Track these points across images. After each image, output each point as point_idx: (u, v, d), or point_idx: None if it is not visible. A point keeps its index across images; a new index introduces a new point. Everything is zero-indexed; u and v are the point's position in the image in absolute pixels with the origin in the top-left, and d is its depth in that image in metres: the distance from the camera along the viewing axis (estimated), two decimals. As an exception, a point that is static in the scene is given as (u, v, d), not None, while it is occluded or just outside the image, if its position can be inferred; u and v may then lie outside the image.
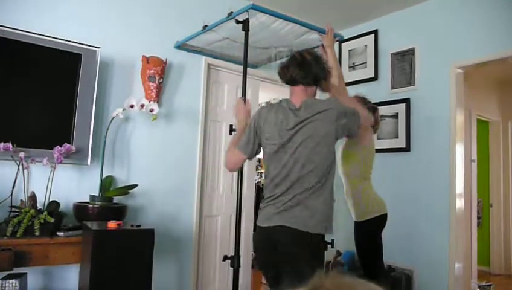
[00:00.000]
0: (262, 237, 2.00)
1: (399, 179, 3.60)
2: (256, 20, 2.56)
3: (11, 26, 2.47)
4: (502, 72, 5.43)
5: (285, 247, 1.88)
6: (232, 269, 2.43)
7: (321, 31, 2.81)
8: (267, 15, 2.51)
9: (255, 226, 2.09)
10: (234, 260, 2.38)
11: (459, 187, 3.35)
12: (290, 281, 1.79)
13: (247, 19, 2.48)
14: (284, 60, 2.10)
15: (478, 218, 5.50)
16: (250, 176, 3.93)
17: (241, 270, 2.53)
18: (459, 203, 3.34)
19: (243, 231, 3.60)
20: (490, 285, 4.55)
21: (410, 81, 3.66)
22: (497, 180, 5.96)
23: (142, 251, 2.20)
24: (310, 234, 1.86)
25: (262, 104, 3.43)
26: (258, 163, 6.74)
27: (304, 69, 1.98)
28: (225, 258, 2.42)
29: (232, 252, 2.44)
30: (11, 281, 2.24)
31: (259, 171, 6.85)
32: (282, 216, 1.90)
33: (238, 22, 2.49)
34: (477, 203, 5.28)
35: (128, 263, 2.15)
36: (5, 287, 2.23)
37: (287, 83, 2.06)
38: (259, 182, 6.30)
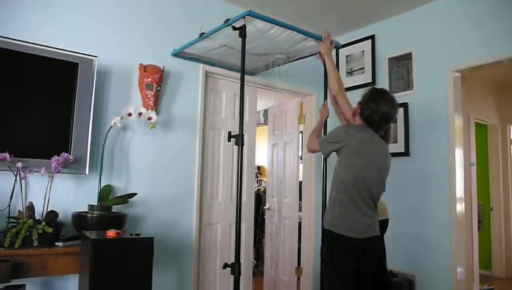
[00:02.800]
0: None
1: (399, 183, 3.58)
2: (253, 27, 2.56)
3: (7, 36, 2.47)
4: (499, 76, 5.46)
5: None
6: (232, 277, 2.40)
7: (318, 38, 2.82)
8: (264, 22, 2.51)
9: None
10: (235, 268, 2.36)
11: (459, 191, 3.34)
12: None
13: (244, 25, 2.47)
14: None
15: (479, 222, 5.47)
16: (250, 184, 3.92)
17: (241, 278, 2.50)
18: (460, 207, 3.33)
19: (243, 238, 3.58)
20: (492, 288, 4.53)
21: (407, 85, 3.67)
22: (497, 183, 5.96)
23: (141, 259, 2.18)
24: None
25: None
26: (257, 170, 6.74)
27: None
28: (225, 265, 2.39)
29: (232, 261, 2.42)
30: (9, 292, 2.22)
31: (259, 178, 6.83)
32: None
33: (235, 28, 2.48)
34: (478, 206, 5.26)
35: (128, 272, 2.13)
36: (3, 299, 2.21)
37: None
38: (259, 189, 6.28)
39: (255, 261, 5.49)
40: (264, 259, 5.02)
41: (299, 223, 4.40)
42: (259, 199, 6.07)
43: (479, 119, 5.51)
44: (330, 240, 2.41)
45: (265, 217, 5.19)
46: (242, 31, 2.47)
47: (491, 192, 6.00)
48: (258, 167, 7.05)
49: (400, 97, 3.69)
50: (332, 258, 2.39)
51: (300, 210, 4.44)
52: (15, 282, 2.22)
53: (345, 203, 2.37)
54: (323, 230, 2.49)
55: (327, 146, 2.49)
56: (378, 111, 2.40)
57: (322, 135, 2.90)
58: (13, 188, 2.40)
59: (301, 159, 4.54)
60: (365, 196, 2.38)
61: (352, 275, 2.33)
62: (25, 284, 2.36)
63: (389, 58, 3.85)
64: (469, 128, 5.04)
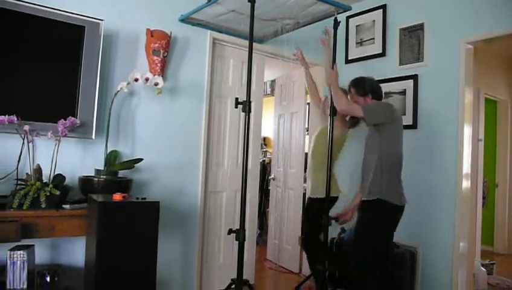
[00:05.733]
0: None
1: (405, 156, 3.53)
2: (263, -9, 2.51)
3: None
4: (511, 51, 5.33)
5: None
6: (236, 243, 2.43)
7: (329, 2, 2.78)
8: (274, -14, 2.46)
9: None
10: (240, 233, 2.39)
11: (466, 167, 3.30)
12: None
13: (254, -10, 2.43)
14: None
15: (483, 198, 5.47)
16: (255, 152, 3.92)
17: (245, 245, 2.53)
18: (466, 183, 3.30)
19: (248, 206, 3.61)
20: (493, 264, 4.57)
21: (418, 57, 3.59)
22: (504, 160, 5.92)
23: (147, 223, 2.20)
24: None
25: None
26: (263, 141, 6.73)
27: None
28: (230, 231, 2.42)
29: (237, 228, 2.44)
30: (19, 252, 2.27)
31: (264, 149, 6.83)
32: None
33: (244, -7, 2.44)
34: (483, 183, 5.25)
35: (134, 235, 2.16)
36: (13, 257, 2.25)
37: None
38: (264, 160, 6.29)
39: (259, 231, 5.56)
40: (268, 229, 5.08)
41: (304, 194, 4.43)
42: (265, 169, 6.09)
43: (488, 94, 5.42)
44: (379, 208, 2.76)
45: (269, 187, 5.22)
46: (251, -4, 2.43)
47: (497, 169, 5.97)
48: (264, 138, 7.04)
49: (410, 69, 3.65)
50: (378, 223, 2.78)
51: (305, 181, 4.46)
52: (24, 242, 2.27)
53: (391, 175, 2.80)
54: (365, 200, 2.84)
55: (376, 116, 2.80)
56: (373, 84, 3.00)
57: None
58: (21, 151, 2.42)
59: (307, 130, 4.52)
60: (400, 169, 2.87)
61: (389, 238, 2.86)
62: (33, 245, 2.41)
63: (400, 29, 3.76)
64: (479, 104, 4.96)
